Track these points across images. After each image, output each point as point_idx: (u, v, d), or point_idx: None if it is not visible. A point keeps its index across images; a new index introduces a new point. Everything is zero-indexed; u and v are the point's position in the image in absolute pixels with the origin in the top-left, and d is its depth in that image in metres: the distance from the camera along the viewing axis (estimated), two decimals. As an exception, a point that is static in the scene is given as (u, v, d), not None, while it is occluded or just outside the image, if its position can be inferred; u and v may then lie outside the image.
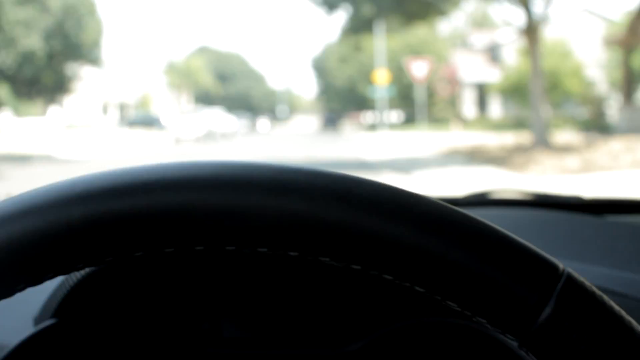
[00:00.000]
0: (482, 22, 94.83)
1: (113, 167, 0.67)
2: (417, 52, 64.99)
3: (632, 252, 1.55)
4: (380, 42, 57.13)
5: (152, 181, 0.62)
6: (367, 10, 21.13)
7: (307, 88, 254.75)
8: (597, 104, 48.89)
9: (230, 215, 0.60)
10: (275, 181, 0.61)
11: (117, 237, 0.60)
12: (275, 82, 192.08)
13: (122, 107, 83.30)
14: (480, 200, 2.22)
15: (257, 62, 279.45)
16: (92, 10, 29.37)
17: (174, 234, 0.61)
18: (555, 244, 1.64)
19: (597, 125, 38.21)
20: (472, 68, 64.65)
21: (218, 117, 62.02)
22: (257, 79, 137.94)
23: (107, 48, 31.42)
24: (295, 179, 0.61)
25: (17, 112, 56.88)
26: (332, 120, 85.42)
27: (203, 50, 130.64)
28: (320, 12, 22.42)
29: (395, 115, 71.45)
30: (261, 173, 0.63)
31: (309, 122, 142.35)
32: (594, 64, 54.48)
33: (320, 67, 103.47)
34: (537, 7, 21.71)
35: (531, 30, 21.58)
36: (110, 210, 0.60)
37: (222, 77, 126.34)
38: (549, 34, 44.01)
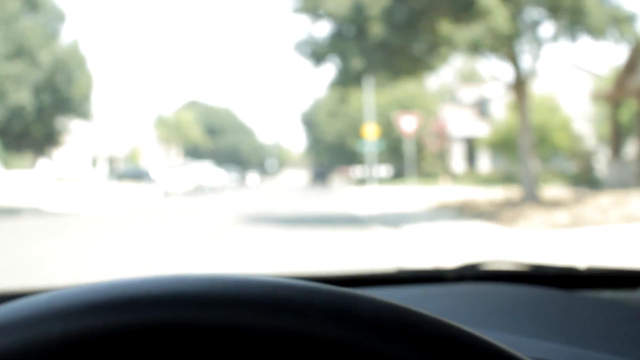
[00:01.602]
0: (470, 77, 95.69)
1: (95, 281, 0.62)
2: (405, 106, 65.42)
3: (634, 336, 1.52)
4: (369, 96, 57.51)
5: (139, 297, 0.56)
6: (355, 64, 21.28)
7: (297, 142, 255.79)
8: (585, 158, 49.16)
9: (221, 334, 0.57)
10: (269, 299, 0.58)
11: (99, 357, 0.54)
12: (264, 136, 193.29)
13: (112, 160, 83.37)
14: (473, 273, 2.18)
15: (247, 116, 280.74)
16: (82, 65, 29.51)
17: (162, 353, 0.56)
18: (548, 327, 1.60)
19: (585, 180, 38.38)
20: (460, 122, 65.05)
21: (207, 171, 62.17)
22: (247, 133, 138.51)
23: (97, 101, 31.63)
24: (290, 296, 0.58)
25: (6, 165, 56.86)
26: (321, 175, 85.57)
27: (192, 105, 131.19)
28: (310, 67, 22.34)
29: (384, 170, 71.67)
30: (254, 289, 0.58)
31: (298, 176, 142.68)
32: (582, 118, 54.90)
33: (310, 122, 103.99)
34: (525, 63, 21.89)
35: (519, 85, 21.74)
36: (92, 328, 0.56)
37: (212, 131, 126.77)
38: (537, 88, 44.36)
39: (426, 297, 1.93)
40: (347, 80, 23.25)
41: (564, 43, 23.01)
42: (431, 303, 1.85)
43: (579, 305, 1.82)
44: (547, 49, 26.58)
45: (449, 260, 11.44)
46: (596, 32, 18.64)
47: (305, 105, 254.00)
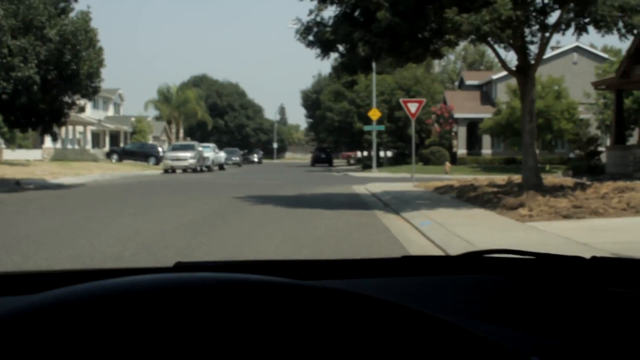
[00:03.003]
0: (476, 62, 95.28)
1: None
2: (411, 90, 65.17)
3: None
4: (374, 80, 57.35)
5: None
6: (362, 50, 21.15)
7: (299, 121, 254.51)
8: (588, 145, 49.05)
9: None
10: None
11: None
12: (270, 113, 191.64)
13: (116, 136, 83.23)
14: (476, 261, 2.22)
15: (255, 92, 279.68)
16: (92, 40, 29.40)
17: None
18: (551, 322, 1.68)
19: (588, 167, 38.30)
20: (465, 107, 64.85)
21: (210, 149, 62.25)
22: (254, 109, 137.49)
23: (105, 77, 31.56)
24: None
25: (10, 142, 56.81)
26: (325, 155, 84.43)
27: (200, 79, 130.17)
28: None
29: (387, 154, 71.51)
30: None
31: (301, 156, 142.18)
32: (586, 104, 54.63)
33: (310, 100, 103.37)
34: (530, 49, 21.80)
35: (523, 72, 21.67)
36: None
37: (218, 107, 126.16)
38: (542, 72, 44.10)
39: (430, 287, 2.00)
40: (353, 66, 23.12)
41: (570, 32, 22.44)
42: (435, 294, 1.93)
43: (584, 298, 1.88)
44: (554, 36, 26.39)
45: (453, 247, 11.54)
46: (603, 23, 18.50)
47: (306, 82, 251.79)
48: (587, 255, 2.18)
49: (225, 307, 1.10)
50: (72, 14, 29.46)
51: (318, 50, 22.26)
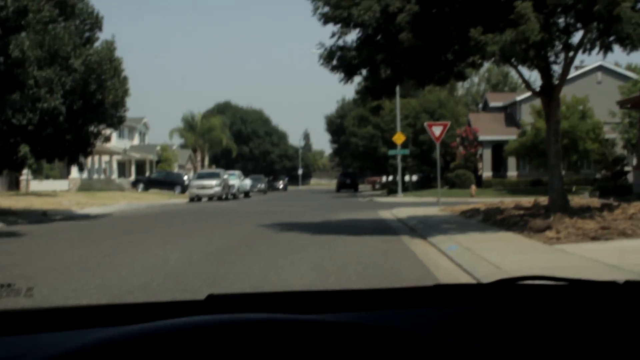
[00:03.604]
0: (500, 83, 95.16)
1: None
2: (435, 113, 65.12)
3: None
4: (398, 104, 57.34)
5: None
6: (385, 73, 21.17)
7: (324, 146, 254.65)
8: (614, 165, 48.77)
9: None
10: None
11: None
12: (294, 138, 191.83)
13: (142, 165, 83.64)
14: (509, 289, 2.20)
15: (279, 119, 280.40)
16: (117, 69, 29.56)
17: None
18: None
19: (615, 187, 38.03)
20: (489, 129, 64.68)
21: (235, 176, 62.44)
22: (278, 136, 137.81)
23: (130, 106, 31.70)
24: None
25: (37, 173, 57.22)
26: (350, 180, 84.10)
27: (224, 106, 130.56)
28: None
29: (412, 178, 71.44)
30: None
31: (326, 181, 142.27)
32: (612, 124, 54.33)
33: (336, 126, 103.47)
34: (555, 70, 21.72)
35: (548, 93, 21.59)
36: None
37: (242, 134, 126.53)
38: (567, 92, 43.96)
39: (463, 318, 1.98)
40: (377, 89, 23.13)
41: (595, 52, 22.32)
42: (468, 325, 1.91)
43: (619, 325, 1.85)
44: (578, 56, 26.31)
45: (481, 271, 11.47)
46: (629, 41, 18.32)
47: (330, 107, 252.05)
48: (619, 278, 2.15)
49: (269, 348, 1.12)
50: (96, 44, 29.68)
51: (342, 75, 22.28)
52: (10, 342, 1.58)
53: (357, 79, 23.03)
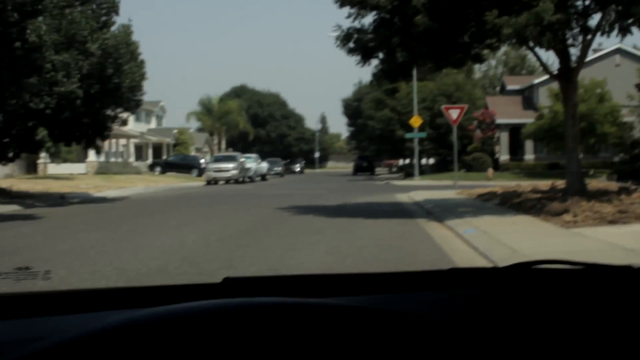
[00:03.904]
0: (518, 66, 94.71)
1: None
2: (452, 96, 64.92)
3: None
4: (415, 87, 57.18)
5: None
6: (401, 56, 21.08)
7: (340, 130, 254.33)
8: (632, 149, 48.52)
9: None
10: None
11: None
12: (311, 122, 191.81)
13: (159, 148, 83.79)
14: (524, 273, 2.20)
15: (296, 102, 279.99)
16: (134, 53, 29.60)
17: None
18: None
19: (633, 171, 37.86)
20: (507, 112, 64.41)
21: (252, 159, 62.47)
22: (295, 119, 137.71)
23: (147, 89, 31.69)
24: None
25: (55, 156, 57.43)
26: (367, 163, 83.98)
27: (241, 89, 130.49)
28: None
29: (429, 161, 71.31)
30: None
31: (343, 165, 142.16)
32: (630, 106, 54.02)
33: (352, 108, 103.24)
34: (572, 53, 21.60)
35: (565, 76, 21.47)
36: None
37: (259, 117, 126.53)
38: (585, 75, 43.69)
39: (479, 301, 1.98)
40: (393, 72, 23.06)
41: (613, 34, 22.10)
42: (484, 308, 1.91)
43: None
44: (596, 39, 26.13)
45: (497, 254, 11.46)
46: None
47: (347, 90, 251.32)
48: (636, 262, 2.14)
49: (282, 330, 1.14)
50: (113, 28, 29.73)
51: (358, 57, 22.23)
52: (29, 324, 1.60)
53: (375, 61, 22.96)
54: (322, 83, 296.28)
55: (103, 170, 61.70)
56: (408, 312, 1.25)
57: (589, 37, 20.93)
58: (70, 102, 26.39)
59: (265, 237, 15.21)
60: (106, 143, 60.84)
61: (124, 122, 33.34)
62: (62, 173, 54.96)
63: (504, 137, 64.65)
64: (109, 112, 30.53)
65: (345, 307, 1.23)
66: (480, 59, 24.26)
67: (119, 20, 49.10)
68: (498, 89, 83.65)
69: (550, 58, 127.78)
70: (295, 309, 1.20)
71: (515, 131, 63.52)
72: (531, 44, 20.71)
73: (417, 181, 51.72)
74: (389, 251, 12.59)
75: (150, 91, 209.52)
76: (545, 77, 50.31)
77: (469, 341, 1.21)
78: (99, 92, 28.03)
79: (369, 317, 1.21)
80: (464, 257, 11.83)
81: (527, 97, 67.69)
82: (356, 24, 21.94)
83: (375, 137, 72.13)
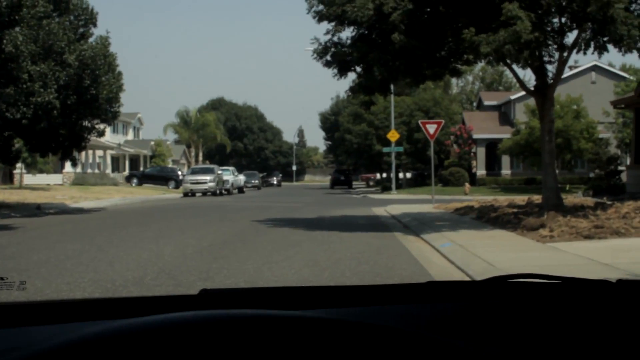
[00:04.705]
0: (495, 82, 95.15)
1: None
2: (429, 111, 65.10)
3: None
4: (392, 102, 57.30)
5: None
6: (379, 71, 21.10)
7: (318, 143, 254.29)
8: (608, 164, 48.77)
9: None
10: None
11: None
12: (289, 135, 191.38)
13: (136, 160, 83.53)
14: (501, 287, 2.20)
15: (273, 115, 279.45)
16: (111, 65, 29.52)
17: None
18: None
19: (609, 187, 38.03)
20: (483, 127, 64.68)
21: (229, 172, 62.42)
22: (273, 132, 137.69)
23: (124, 101, 31.48)
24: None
25: (31, 167, 57.11)
26: (345, 177, 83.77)
27: (218, 102, 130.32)
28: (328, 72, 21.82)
29: (406, 175, 71.43)
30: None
31: (320, 178, 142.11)
32: (605, 123, 54.40)
33: (330, 123, 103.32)
34: (549, 70, 21.73)
35: (541, 92, 21.60)
36: None
37: (237, 130, 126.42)
38: (561, 91, 43.94)
39: (455, 314, 1.98)
40: (370, 87, 23.08)
41: (589, 52, 22.32)
42: (460, 321, 1.91)
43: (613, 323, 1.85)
44: (572, 56, 26.18)
45: (474, 268, 11.49)
46: (623, 43, 18.31)
47: (324, 104, 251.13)
48: (612, 276, 2.16)
49: (256, 343, 1.13)
50: (91, 39, 29.68)
51: (335, 70, 22.27)
52: (4, 334, 1.59)
53: (352, 74, 22.99)
54: (300, 97, 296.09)
55: (79, 181, 61.42)
56: (386, 325, 1.25)
57: (565, 54, 21.09)
58: (47, 113, 26.28)
59: (242, 249, 15.17)
60: (83, 154, 60.63)
61: (101, 134, 33.19)
62: (39, 184, 54.70)
63: (481, 152, 64.88)
64: (86, 123, 30.42)
65: (324, 320, 1.23)
66: (457, 73, 24.37)
67: (97, 32, 48.99)
68: (475, 104, 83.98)
69: (527, 74, 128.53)
70: (275, 320, 1.20)
71: (492, 146, 63.79)
72: (508, 61, 20.83)
73: (394, 195, 51.82)
74: (366, 264, 12.60)
75: (128, 103, 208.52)
76: (522, 93, 50.58)
77: (446, 354, 1.21)
78: (75, 103, 27.95)
79: (347, 329, 1.21)
80: (441, 270, 11.85)
81: (504, 113, 68.02)
82: (334, 38, 22.01)
83: (352, 151, 72.14)
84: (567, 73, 46.72)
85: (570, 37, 20.81)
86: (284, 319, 1.20)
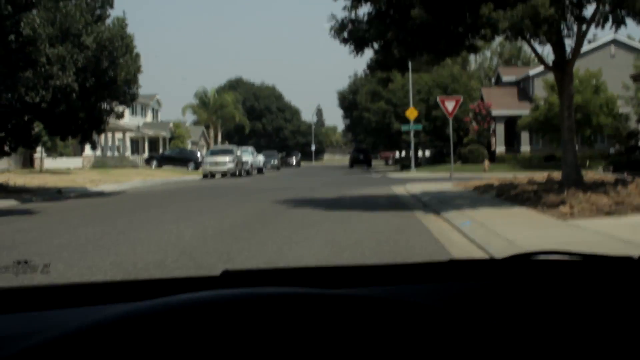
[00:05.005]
0: (513, 57, 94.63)
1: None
2: (447, 87, 64.88)
3: None
4: (410, 79, 57.16)
5: None
6: (397, 48, 21.00)
7: (336, 122, 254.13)
8: (628, 140, 48.49)
9: None
10: None
11: None
12: (306, 116, 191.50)
13: (155, 142, 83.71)
14: (523, 264, 2.20)
15: (289, 96, 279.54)
16: (129, 46, 29.53)
17: None
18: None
19: (628, 162, 37.81)
20: (502, 103, 64.37)
21: (248, 152, 62.47)
22: (291, 112, 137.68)
23: (142, 83, 31.52)
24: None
25: (52, 150, 57.35)
26: (364, 156, 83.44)
27: (237, 82, 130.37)
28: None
29: (425, 153, 71.32)
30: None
31: (340, 157, 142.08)
32: (625, 97, 53.96)
33: (349, 102, 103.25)
34: (567, 44, 21.60)
35: (560, 67, 21.47)
36: None
37: (255, 110, 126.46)
38: (580, 66, 43.64)
39: (478, 292, 1.98)
40: (388, 64, 22.99)
41: (607, 26, 22.09)
42: (483, 299, 1.91)
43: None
44: (591, 29, 26.05)
45: (494, 246, 11.47)
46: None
47: (343, 82, 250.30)
48: (634, 253, 2.15)
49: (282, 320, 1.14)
50: (108, 21, 29.68)
51: (352, 47, 22.15)
52: (28, 318, 1.60)
53: (368, 51, 22.88)
54: (318, 76, 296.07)
55: (99, 164, 61.68)
56: (409, 300, 1.25)
57: (584, 27, 20.93)
58: (65, 96, 26.36)
59: (262, 230, 15.20)
60: (102, 137, 60.82)
61: (120, 116, 33.28)
62: (59, 167, 54.94)
63: (500, 128, 64.63)
64: (105, 105, 30.50)
65: (346, 296, 1.23)
66: (475, 49, 24.24)
67: (114, 13, 48.99)
68: (493, 80, 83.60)
69: (546, 49, 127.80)
70: (296, 299, 1.20)
71: (510, 123, 63.50)
72: (527, 35, 20.71)
73: (413, 173, 51.72)
74: (386, 244, 12.59)
75: (146, 84, 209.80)
76: (541, 68, 50.32)
77: (468, 330, 1.21)
78: (94, 85, 28.00)
79: (370, 305, 1.22)
80: (462, 249, 11.84)
81: (523, 89, 67.66)
82: (351, 15, 21.90)
83: (371, 129, 72.05)
84: (585, 47, 46.35)
85: (589, 10, 20.66)
86: (308, 297, 1.21)
